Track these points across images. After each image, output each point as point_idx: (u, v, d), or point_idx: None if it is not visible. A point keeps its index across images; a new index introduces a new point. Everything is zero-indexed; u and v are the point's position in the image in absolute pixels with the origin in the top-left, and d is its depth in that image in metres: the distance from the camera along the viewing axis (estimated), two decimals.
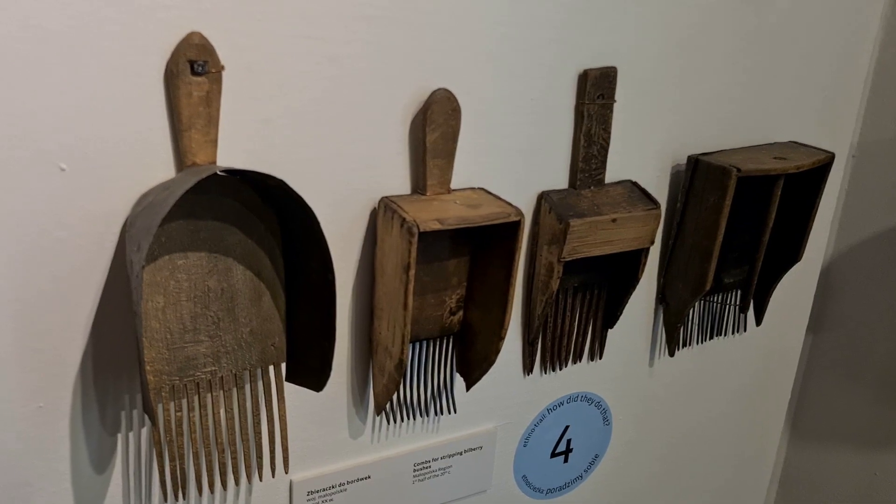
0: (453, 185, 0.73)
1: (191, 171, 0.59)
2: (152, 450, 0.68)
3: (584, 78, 0.77)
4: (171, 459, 0.64)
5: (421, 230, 0.65)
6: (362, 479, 0.81)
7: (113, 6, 0.55)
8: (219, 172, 0.58)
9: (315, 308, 0.64)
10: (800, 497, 1.33)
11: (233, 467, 0.66)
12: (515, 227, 0.70)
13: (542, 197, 0.80)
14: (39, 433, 0.63)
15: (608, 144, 0.81)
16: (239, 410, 0.66)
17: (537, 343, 0.86)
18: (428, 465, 0.84)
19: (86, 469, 0.66)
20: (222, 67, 0.59)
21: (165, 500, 0.65)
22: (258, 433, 0.67)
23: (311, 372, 0.65)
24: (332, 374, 0.65)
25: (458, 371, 0.80)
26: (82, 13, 0.54)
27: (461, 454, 0.86)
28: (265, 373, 0.67)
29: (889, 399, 1.20)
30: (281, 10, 0.61)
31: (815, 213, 0.93)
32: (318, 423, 0.76)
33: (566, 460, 0.96)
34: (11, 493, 0.64)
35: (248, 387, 0.67)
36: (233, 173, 0.58)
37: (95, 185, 0.59)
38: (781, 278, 0.97)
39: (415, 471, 0.84)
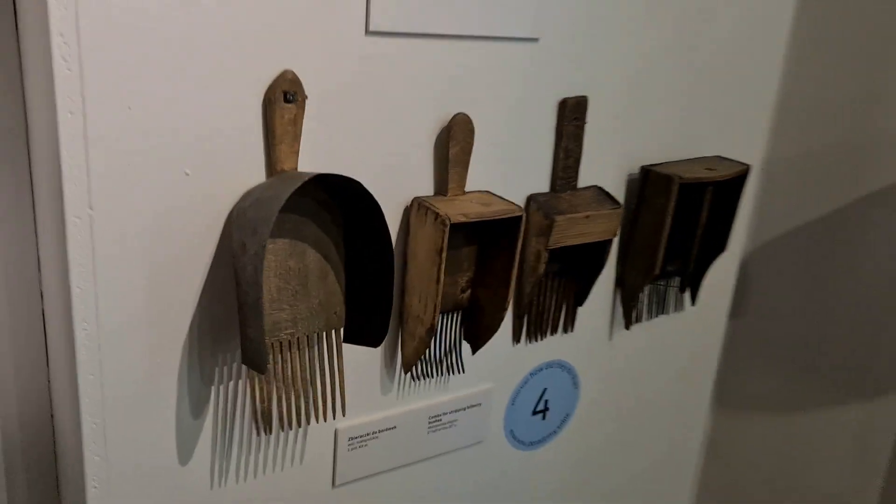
0: (466, 188, 0.93)
1: (286, 174, 0.77)
2: (237, 398, 0.85)
3: (563, 105, 0.99)
4: (262, 402, 0.81)
5: (452, 222, 0.84)
6: (390, 428, 0.99)
7: (231, 52, 0.73)
8: (314, 177, 0.76)
9: (372, 284, 0.83)
10: (723, 453, 1.57)
11: (305, 410, 0.84)
12: (518, 220, 0.90)
13: (530, 198, 1.00)
14: (155, 383, 0.79)
15: (580, 157, 1.02)
16: (310, 365, 0.84)
17: (524, 318, 1.07)
18: (439, 418, 1.03)
19: (185, 414, 0.82)
20: (306, 97, 0.78)
21: (258, 433, 0.83)
22: (324, 383, 0.85)
23: (369, 333, 0.84)
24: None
25: (465, 338, 1.00)
26: (211, 56, 0.72)
27: (465, 409, 1.05)
28: (328, 336, 0.85)
29: (795, 369, 1.45)
30: (349, 53, 0.80)
31: (737, 213, 1.16)
32: (357, 382, 0.94)
33: (544, 417, 1.17)
34: (125, 432, 0.80)
35: (316, 347, 0.85)
36: (322, 177, 0.76)
37: (208, 186, 0.76)
38: (711, 266, 1.21)
39: (429, 423, 1.02)
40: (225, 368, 0.83)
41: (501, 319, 0.95)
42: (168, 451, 0.83)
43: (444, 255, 0.85)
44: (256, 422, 0.82)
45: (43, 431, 0.90)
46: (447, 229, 0.84)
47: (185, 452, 0.84)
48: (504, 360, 1.08)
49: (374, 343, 0.84)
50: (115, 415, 0.78)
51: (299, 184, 0.72)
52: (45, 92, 0.68)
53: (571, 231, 0.99)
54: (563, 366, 1.15)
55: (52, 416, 0.91)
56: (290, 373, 0.83)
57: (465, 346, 1.00)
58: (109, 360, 0.76)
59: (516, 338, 1.08)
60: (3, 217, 0.82)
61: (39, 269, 0.85)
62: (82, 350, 0.74)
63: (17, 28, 0.79)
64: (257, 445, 0.89)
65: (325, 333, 0.85)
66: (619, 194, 1.09)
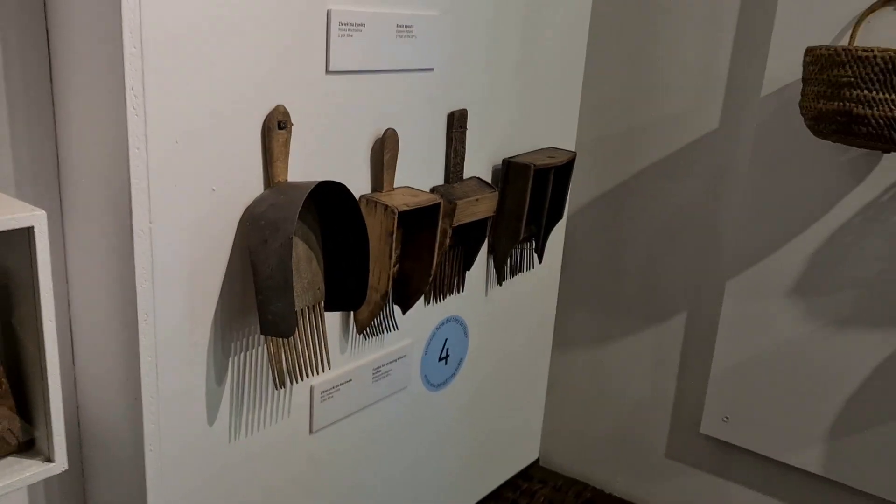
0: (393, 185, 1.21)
1: (287, 184, 1.01)
2: (246, 366, 1.06)
3: (451, 116, 1.29)
4: (278, 363, 1.04)
5: (399, 211, 1.12)
6: (347, 381, 1.24)
7: (240, 94, 0.95)
8: (317, 184, 0.99)
9: (348, 262, 1.08)
10: (558, 382, 1.97)
11: (307, 365, 1.08)
12: (438, 206, 1.19)
13: (433, 189, 1.30)
14: (191, 359, 0.99)
15: (465, 155, 1.34)
16: (307, 330, 1.08)
17: (433, 282, 1.36)
18: (379, 370, 1.30)
19: (212, 382, 1.03)
20: (292, 124, 1.02)
21: (278, 387, 1.05)
22: (313, 344, 1.09)
23: (348, 300, 1.09)
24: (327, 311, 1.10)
25: (396, 302, 1.27)
26: (229, 99, 0.94)
27: (395, 361, 1.33)
28: (315, 306, 1.09)
29: (604, 308, 1.87)
30: (316, 89, 1.04)
31: (569, 188, 1.54)
32: None
33: (446, 363, 1.47)
34: (170, 405, 0.99)
35: (308, 316, 1.08)
36: (322, 184, 1.00)
37: (226, 198, 0.98)
38: (552, 230, 1.57)
39: (373, 374, 1.29)
40: (238, 343, 1.05)
41: (427, 283, 1.24)
42: (199, 414, 1.03)
43: (394, 236, 1.13)
44: (274, 379, 1.04)
45: (71, 422, 1.05)
46: (396, 216, 1.12)
47: (211, 414, 1.04)
48: (418, 318, 1.36)
49: (355, 307, 1.09)
50: (165, 390, 0.97)
51: (310, 189, 0.97)
52: (115, 132, 0.86)
53: (467, 212, 1.30)
54: (457, 320, 1.46)
55: (76, 408, 1.06)
56: (296, 338, 1.06)
57: (396, 309, 1.28)
58: (162, 344, 0.95)
59: (426, 300, 1.37)
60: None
61: (67, 281, 1.01)
62: (143, 337, 0.93)
63: (51, 74, 0.94)
64: (259, 404, 1.10)
65: (314, 306, 1.09)
66: (492, 181, 1.42)
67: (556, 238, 1.70)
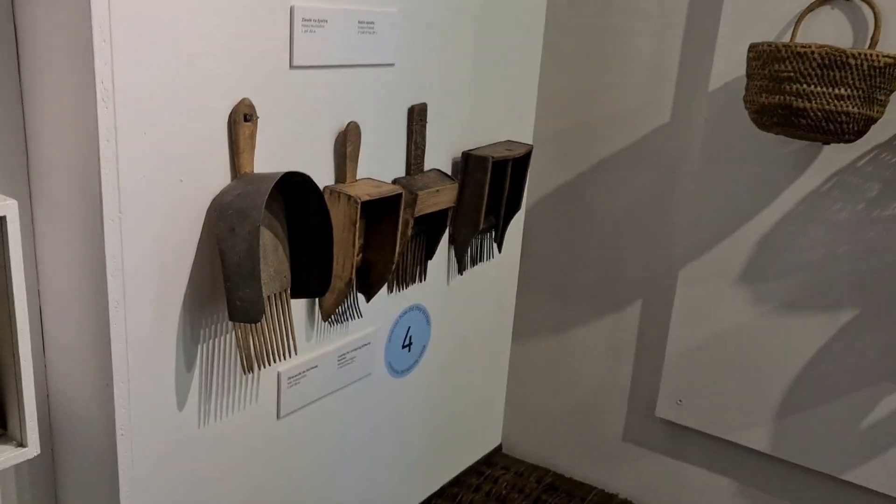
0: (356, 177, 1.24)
1: (252, 175, 1.04)
2: (214, 353, 1.09)
3: (412, 110, 1.33)
4: (246, 347, 1.07)
5: (362, 201, 1.16)
6: (313, 367, 1.27)
7: (206, 88, 0.98)
8: (283, 175, 1.03)
9: (314, 251, 1.11)
10: (518, 368, 2.02)
11: (274, 351, 1.11)
12: (400, 197, 1.23)
13: (395, 181, 1.34)
14: (160, 345, 1.02)
15: (425, 148, 1.38)
16: (273, 317, 1.11)
17: (396, 272, 1.40)
18: (344, 356, 1.34)
19: (181, 367, 1.06)
20: (258, 117, 1.05)
21: (246, 372, 1.08)
22: (280, 330, 1.13)
23: (313, 287, 1.13)
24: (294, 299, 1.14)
25: (359, 290, 1.31)
26: (196, 93, 0.97)
27: (360, 348, 1.37)
28: (282, 293, 1.12)
29: (561, 296, 1.93)
30: (280, 83, 1.08)
31: (526, 180, 1.59)
32: None
33: (409, 350, 1.51)
34: (141, 389, 1.01)
35: (275, 303, 1.12)
36: (287, 175, 1.03)
37: (193, 189, 1.01)
38: (511, 221, 1.62)
39: (338, 360, 1.32)
40: (207, 330, 1.08)
41: (390, 271, 1.28)
42: (169, 399, 1.06)
43: (357, 225, 1.17)
44: (242, 365, 1.08)
45: (41, 409, 1.07)
46: (359, 206, 1.16)
47: (180, 399, 1.07)
48: (381, 307, 1.40)
49: (320, 293, 1.13)
50: (135, 375, 1.00)
51: (277, 179, 1.00)
52: (85, 124, 0.89)
53: (428, 202, 1.35)
54: (419, 308, 1.50)
55: (47, 395, 1.08)
56: (263, 324, 1.09)
57: (360, 297, 1.32)
58: (132, 331, 0.98)
59: (389, 288, 1.41)
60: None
61: (37, 271, 1.03)
62: (114, 325, 0.96)
63: (19, 67, 0.96)
64: (228, 390, 1.14)
65: (280, 293, 1.12)
66: (452, 173, 1.46)
67: (516, 229, 1.75)
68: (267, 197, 0.99)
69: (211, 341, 1.09)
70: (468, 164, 1.47)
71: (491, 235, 1.61)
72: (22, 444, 0.94)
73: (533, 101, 1.70)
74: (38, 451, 0.94)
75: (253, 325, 1.07)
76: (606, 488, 1.97)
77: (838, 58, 1.28)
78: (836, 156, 1.50)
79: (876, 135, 1.43)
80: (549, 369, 2.02)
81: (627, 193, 1.81)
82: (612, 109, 1.77)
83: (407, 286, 1.44)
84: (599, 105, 1.79)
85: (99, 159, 0.89)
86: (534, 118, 1.72)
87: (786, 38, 1.50)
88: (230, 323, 1.09)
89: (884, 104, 1.34)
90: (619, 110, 1.77)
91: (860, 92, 1.30)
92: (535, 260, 1.94)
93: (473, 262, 1.61)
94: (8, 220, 0.85)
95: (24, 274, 0.87)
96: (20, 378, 0.91)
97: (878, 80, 1.30)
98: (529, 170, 1.71)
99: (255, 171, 1.07)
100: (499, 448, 2.01)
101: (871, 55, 1.28)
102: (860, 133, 1.35)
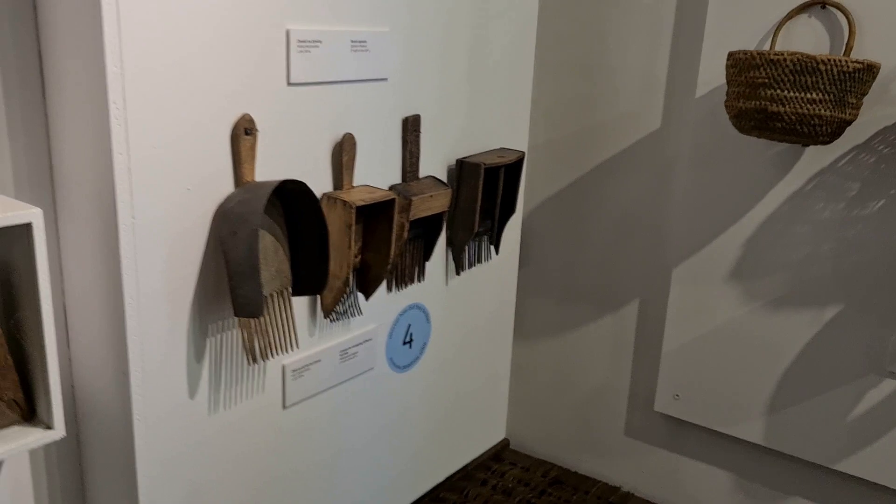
0: (353, 184, 1.34)
1: (253, 183, 1.14)
2: (222, 346, 1.20)
3: (406, 121, 1.43)
4: (250, 340, 1.17)
5: (357, 206, 1.26)
6: (317, 361, 1.37)
7: (210, 104, 1.09)
8: (280, 182, 1.13)
9: (311, 251, 1.21)
10: (522, 368, 2.10)
11: (277, 344, 1.21)
12: (393, 202, 1.33)
13: (391, 187, 1.44)
14: (172, 338, 1.13)
15: (419, 156, 1.48)
16: (276, 313, 1.21)
17: (393, 273, 1.50)
18: (346, 352, 1.43)
19: (191, 359, 1.16)
20: (258, 130, 1.15)
21: (250, 363, 1.18)
22: (283, 326, 1.23)
23: (311, 285, 1.23)
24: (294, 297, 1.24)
25: (359, 290, 1.41)
26: (201, 108, 1.08)
27: (361, 344, 1.46)
28: (282, 293, 1.23)
29: (563, 298, 2.01)
30: (278, 99, 1.18)
31: (520, 184, 1.68)
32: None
33: (410, 347, 1.60)
34: (155, 379, 1.12)
35: (277, 300, 1.22)
36: (283, 182, 1.14)
37: (200, 196, 1.11)
38: (506, 224, 1.71)
39: (340, 355, 1.42)
40: (214, 325, 1.18)
41: (386, 271, 1.38)
42: (181, 388, 1.16)
43: (353, 228, 1.27)
44: (247, 356, 1.18)
45: (67, 397, 1.18)
46: (354, 211, 1.26)
47: (191, 389, 1.18)
48: (382, 305, 1.50)
49: (318, 291, 1.23)
50: (150, 366, 1.11)
51: (275, 186, 1.11)
52: (100, 140, 1.00)
53: (422, 207, 1.44)
54: (419, 307, 1.60)
55: (72, 386, 1.19)
56: (266, 320, 1.20)
57: (360, 297, 1.42)
58: (146, 326, 1.09)
59: (389, 288, 1.51)
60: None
61: (61, 273, 1.14)
62: (129, 319, 1.06)
63: (44, 94, 1.08)
64: (236, 381, 1.24)
65: (281, 291, 1.22)
66: (445, 180, 1.56)
67: (513, 232, 1.84)
68: (265, 202, 1.09)
69: (219, 335, 1.19)
70: (462, 170, 1.56)
71: (488, 238, 1.70)
72: (49, 427, 1.05)
73: (527, 110, 1.79)
74: (64, 434, 1.05)
75: (256, 319, 1.17)
76: (609, 481, 2.04)
77: (809, 64, 1.35)
78: (817, 157, 1.57)
79: (854, 136, 1.50)
80: (552, 368, 2.09)
81: (622, 197, 1.88)
82: (605, 117, 1.86)
83: (406, 285, 1.53)
84: (594, 113, 1.87)
85: (113, 171, 1.00)
86: (528, 126, 1.81)
87: (766, 47, 1.57)
88: (236, 318, 1.20)
89: (856, 107, 1.41)
90: (611, 117, 1.85)
91: (831, 96, 1.37)
92: (536, 263, 2.02)
93: (471, 264, 1.70)
94: (34, 227, 0.96)
95: (50, 275, 0.98)
96: (46, 368, 1.02)
97: (847, 84, 1.37)
98: (528, 175, 1.81)
99: (257, 179, 1.17)
100: (507, 445, 2.09)
101: (840, 61, 1.35)
102: (835, 135, 1.41)
